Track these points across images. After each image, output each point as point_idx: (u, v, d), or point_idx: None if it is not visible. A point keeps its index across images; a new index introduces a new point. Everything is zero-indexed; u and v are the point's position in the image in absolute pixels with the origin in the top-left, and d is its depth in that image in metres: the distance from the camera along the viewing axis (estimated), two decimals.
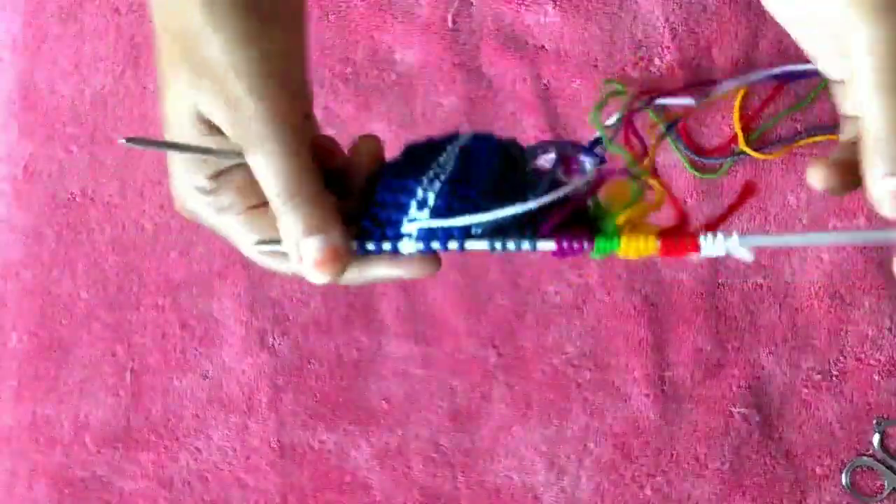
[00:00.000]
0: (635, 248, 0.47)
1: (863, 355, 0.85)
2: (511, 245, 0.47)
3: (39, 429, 0.90)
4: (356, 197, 0.50)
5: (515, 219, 0.47)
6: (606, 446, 0.86)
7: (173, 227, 0.90)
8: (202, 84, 0.47)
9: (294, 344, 0.88)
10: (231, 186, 0.49)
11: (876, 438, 0.84)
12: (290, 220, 0.47)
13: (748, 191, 0.50)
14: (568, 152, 0.51)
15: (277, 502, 0.88)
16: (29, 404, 0.90)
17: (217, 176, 0.49)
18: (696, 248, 0.47)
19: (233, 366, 0.89)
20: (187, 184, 0.49)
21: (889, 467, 0.83)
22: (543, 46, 0.88)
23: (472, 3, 0.88)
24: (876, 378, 0.84)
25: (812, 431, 0.85)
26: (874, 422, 0.84)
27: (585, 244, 0.47)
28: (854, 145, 0.49)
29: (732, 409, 0.85)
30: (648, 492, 0.85)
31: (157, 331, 0.90)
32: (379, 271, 0.49)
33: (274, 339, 0.89)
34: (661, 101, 0.85)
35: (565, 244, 0.47)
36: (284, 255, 0.49)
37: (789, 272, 0.85)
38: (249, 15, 0.46)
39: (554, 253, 0.48)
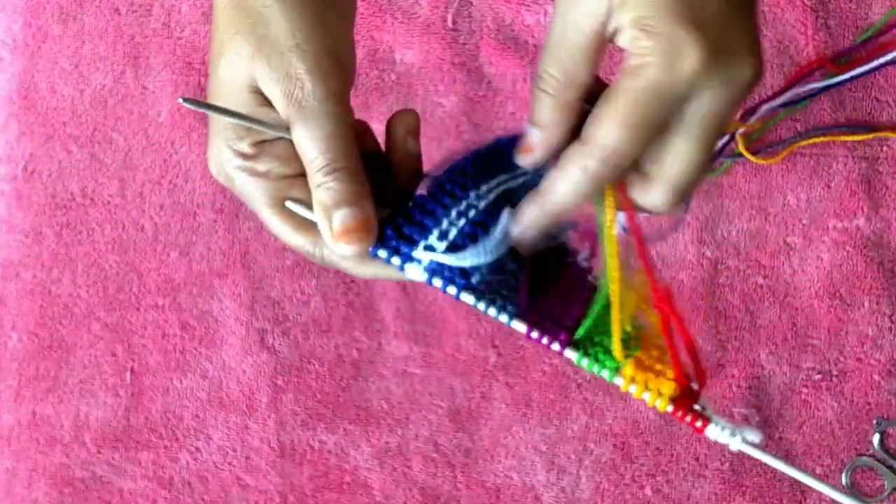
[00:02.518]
0: (639, 391, 0.47)
1: (863, 355, 0.85)
2: (492, 312, 0.48)
3: (39, 429, 0.90)
4: (391, 177, 0.52)
5: (515, 282, 0.49)
6: (606, 446, 0.86)
7: (173, 227, 0.90)
8: (263, 59, 0.49)
9: (294, 344, 0.88)
10: (271, 154, 0.51)
11: (876, 438, 0.84)
12: (326, 193, 0.49)
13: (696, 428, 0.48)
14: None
15: (277, 502, 0.88)
16: (29, 404, 0.90)
17: (259, 143, 0.51)
18: (702, 430, 0.47)
19: (233, 366, 0.89)
20: (229, 148, 0.51)
21: (889, 467, 0.83)
22: None
23: (471, 3, 0.88)
24: (876, 378, 0.84)
25: (812, 431, 0.85)
26: (874, 422, 0.84)
27: (555, 345, 0.47)
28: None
29: (732, 409, 0.85)
30: (648, 492, 0.85)
31: (157, 331, 0.90)
32: (380, 270, 0.52)
33: (274, 339, 0.89)
34: None
35: (535, 334, 0.48)
36: (308, 225, 0.51)
37: (789, 272, 0.85)
38: None
39: (526, 337, 0.49)
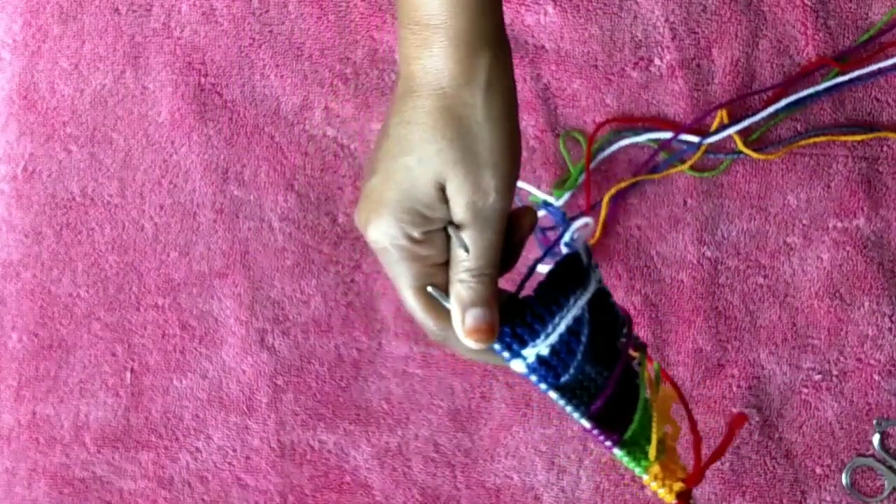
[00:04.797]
0: (657, 486, 0.58)
1: (863, 355, 0.85)
2: (569, 408, 0.57)
3: (39, 429, 0.90)
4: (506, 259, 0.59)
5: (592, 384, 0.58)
6: None
7: (173, 227, 0.90)
8: (462, 169, 0.54)
9: (294, 344, 0.89)
10: (434, 242, 0.56)
11: (876, 438, 0.84)
12: (468, 292, 0.55)
13: (738, 423, 0.61)
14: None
15: (277, 502, 0.88)
16: (29, 404, 0.90)
17: (428, 232, 0.55)
18: None
19: (233, 366, 0.89)
20: (400, 228, 0.55)
21: (889, 467, 0.84)
22: (543, 46, 0.88)
23: None
24: (876, 378, 0.84)
25: (812, 431, 0.85)
26: (874, 422, 0.84)
27: (609, 442, 0.57)
28: None
29: (732, 410, 0.85)
30: (648, 492, 0.85)
31: (157, 331, 0.90)
32: (488, 357, 0.58)
33: (274, 339, 0.89)
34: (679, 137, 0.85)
35: (595, 432, 0.57)
36: (439, 309, 0.57)
37: (789, 272, 0.85)
38: (514, 117, 0.56)
39: (584, 431, 0.58)
